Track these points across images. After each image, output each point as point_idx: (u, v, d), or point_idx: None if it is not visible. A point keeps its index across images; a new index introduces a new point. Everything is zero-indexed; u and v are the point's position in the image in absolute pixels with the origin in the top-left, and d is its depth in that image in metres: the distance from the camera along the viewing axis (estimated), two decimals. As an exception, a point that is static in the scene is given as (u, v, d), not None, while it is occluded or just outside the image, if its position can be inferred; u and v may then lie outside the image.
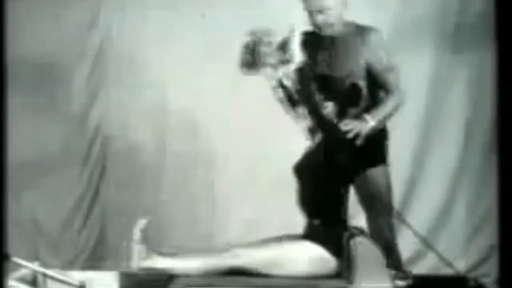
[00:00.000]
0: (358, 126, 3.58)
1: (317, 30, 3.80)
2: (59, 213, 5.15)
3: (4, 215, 3.07)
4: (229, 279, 3.31)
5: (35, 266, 3.61)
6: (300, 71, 3.51)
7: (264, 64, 3.50)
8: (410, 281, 3.86)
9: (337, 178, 3.42)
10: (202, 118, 5.04)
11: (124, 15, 5.12)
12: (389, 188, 3.96)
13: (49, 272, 3.60)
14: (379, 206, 3.93)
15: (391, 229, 3.99)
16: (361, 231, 3.46)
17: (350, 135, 3.52)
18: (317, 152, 3.47)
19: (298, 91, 3.50)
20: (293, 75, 3.50)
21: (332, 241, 3.34)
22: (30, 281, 3.59)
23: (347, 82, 3.63)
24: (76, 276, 3.65)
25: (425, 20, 4.92)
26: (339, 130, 3.51)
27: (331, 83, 3.62)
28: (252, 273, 3.32)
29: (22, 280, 3.53)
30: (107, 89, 5.20)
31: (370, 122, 3.64)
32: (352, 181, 3.62)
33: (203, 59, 5.00)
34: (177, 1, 5.07)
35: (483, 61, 4.83)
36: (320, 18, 3.75)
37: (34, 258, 3.93)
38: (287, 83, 3.50)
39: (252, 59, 3.51)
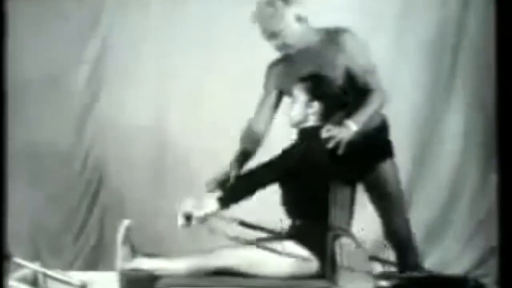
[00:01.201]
0: (340, 134, 3.42)
1: (281, 52, 3.75)
2: (60, 213, 5.17)
3: (4, 215, 3.08)
4: (213, 279, 3.32)
5: (35, 266, 3.61)
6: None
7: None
8: (395, 281, 3.81)
9: (319, 179, 3.39)
10: (203, 117, 5.06)
11: (125, 16, 5.15)
12: (399, 183, 3.87)
13: (50, 272, 3.61)
14: (391, 204, 3.85)
15: (408, 227, 3.91)
16: (346, 232, 3.44)
17: (330, 145, 3.40)
18: (295, 152, 3.44)
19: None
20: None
21: (315, 241, 3.33)
22: (31, 281, 3.59)
23: (336, 85, 3.58)
24: (77, 276, 3.65)
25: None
26: (319, 135, 3.45)
27: (321, 83, 3.57)
28: (236, 273, 3.32)
29: (23, 280, 3.54)
30: (107, 91, 5.23)
31: (352, 127, 3.47)
32: (352, 180, 3.60)
33: (205, 59, 5.03)
34: (177, 1, 5.10)
35: (483, 60, 4.86)
36: (274, 43, 3.69)
37: (34, 258, 3.93)
38: None
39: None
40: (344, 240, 3.37)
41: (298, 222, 3.43)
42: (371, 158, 3.78)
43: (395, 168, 3.87)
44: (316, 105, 3.46)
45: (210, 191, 3.70)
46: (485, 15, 4.84)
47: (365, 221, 3.70)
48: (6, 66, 3.22)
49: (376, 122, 3.74)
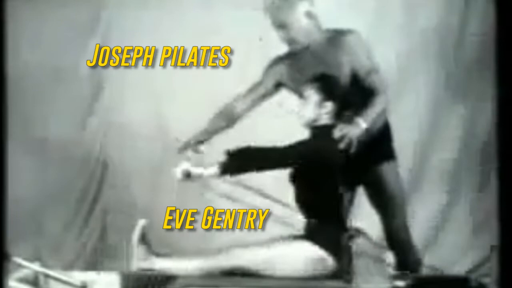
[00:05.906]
0: (351, 132, 3.46)
1: (286, 44, 3.78)
2: (60, 213, 5.18)
3: (4, 215, 3.08)
4: (227, 279, 3.34)
5: (36, 266, 3.61)
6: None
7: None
8: (409, 282, 3.83)
9: (333, 179, 3.41)
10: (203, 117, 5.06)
11: (124, 15, 5.16)
12: (400, 186, 3.89)
13: (51, 272, 3.61)
14: (392, 206, 3.87)
15: (407, 230, 3.93)
16: (361, 232, 3.45)
17: (342, 146, 3.42)
18: (309, 146, 3.46)
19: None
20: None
21: (331, 241, 3.35)
22: (32, 281, 3.59)
23: (345, 85, 3.60)
24: (78, 276, 3.64)
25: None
26: (331, 134, 3.46)
27: (331, 83, 3.58)
28: (250, 274, 3.34)
29: (24, 280, 3.53)
30: (108, 91, 5.24)
31: (361, 124, 3.50)
32: (354, 182, 3.61)
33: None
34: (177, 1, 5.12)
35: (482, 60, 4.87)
36: (282, 34, 3.73)
37: (35, 258, 3.93)
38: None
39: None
40: (359, 241, 3.38)
41: (312, 222, 3.44)
42: (373, 160, 3.79)
43: (396, 170, 3.89)
44: (329, 105, 3.48)
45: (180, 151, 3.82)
46: (485, 16, 4.86)
47: (365, 222, 3.70)
48: (7, 61, 3.24)
49: (379, 124, 3.75)
